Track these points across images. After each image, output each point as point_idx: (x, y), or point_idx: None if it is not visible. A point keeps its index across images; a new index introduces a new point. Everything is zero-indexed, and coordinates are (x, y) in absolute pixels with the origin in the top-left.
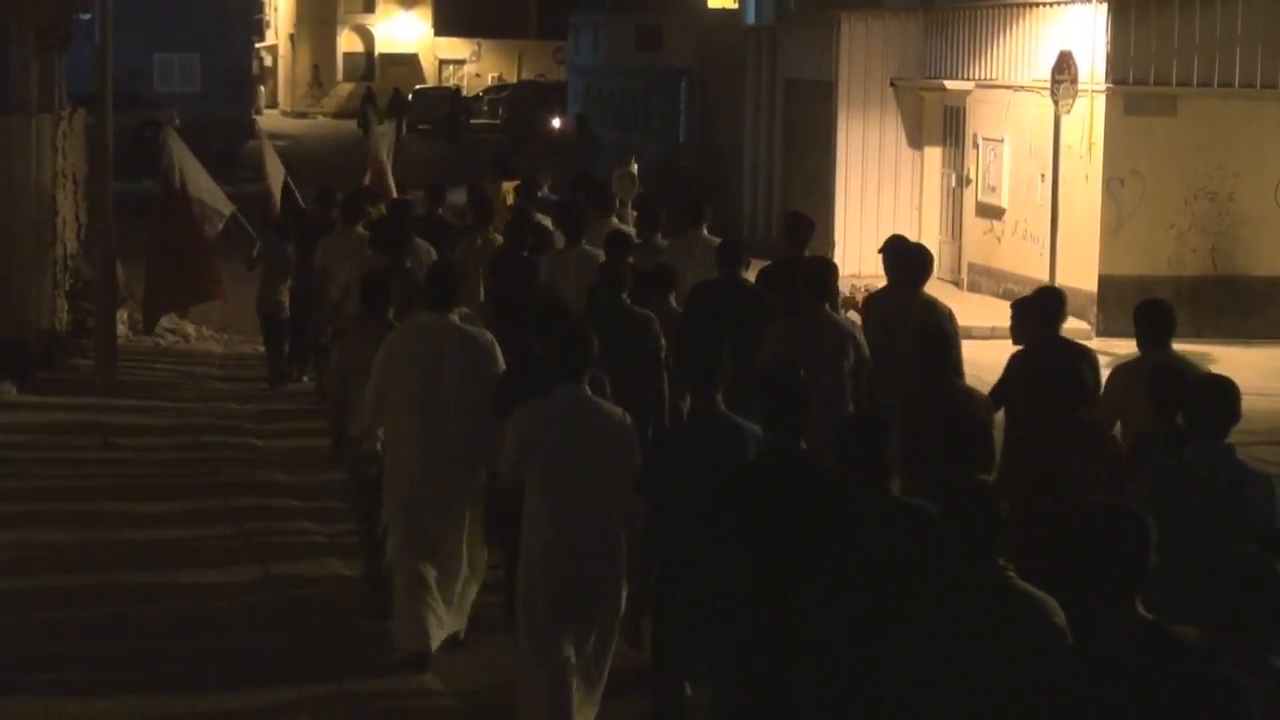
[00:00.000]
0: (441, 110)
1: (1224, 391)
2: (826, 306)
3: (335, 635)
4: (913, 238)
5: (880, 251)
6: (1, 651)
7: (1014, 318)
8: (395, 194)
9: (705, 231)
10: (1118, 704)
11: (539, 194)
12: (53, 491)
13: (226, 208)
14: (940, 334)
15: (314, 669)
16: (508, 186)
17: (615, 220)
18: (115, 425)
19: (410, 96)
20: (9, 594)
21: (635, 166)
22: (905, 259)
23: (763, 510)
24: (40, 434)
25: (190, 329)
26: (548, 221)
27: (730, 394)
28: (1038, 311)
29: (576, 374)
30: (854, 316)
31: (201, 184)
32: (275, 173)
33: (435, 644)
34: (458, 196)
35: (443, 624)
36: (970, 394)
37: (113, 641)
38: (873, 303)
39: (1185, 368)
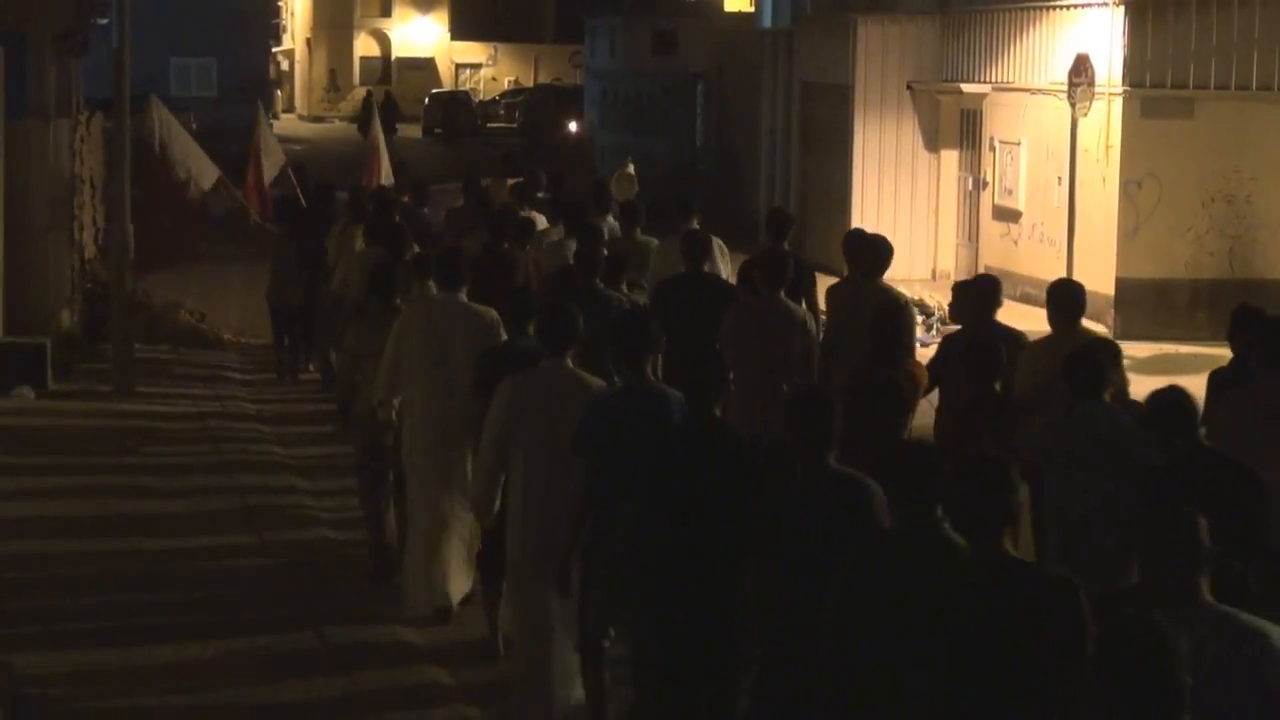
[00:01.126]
0: (454, 114)
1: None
2: (781, 293)
3: (319, 590)
4: (929, 241)
5: (842, 244)
6: (12, 605)
7: (953, 300)
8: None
9: (695, 226)
10: (987, 617)
11: (538, 195)
12: (69, 490)
13: (212, 175)
14: (887, 317)
15: (297, 619)
16: (512, 185)
17: (611, 219)
18: (132, 429)
19: (426, 100)
20: (20, 555)
21: (632, 167)
22: (862, 250)
23: (674, 472)
24: (57, 440)
25: (207, 332)
26: (541, 219)
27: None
28: (973, 295)
29: (560, 349)
30: None
31: (188, 149)
32: (273, 155)
33: (455, 599)
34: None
35: (451, 583)
36: (912, 372)
37: (110, 595)
38: (834, 292)
39: (1099, 345)
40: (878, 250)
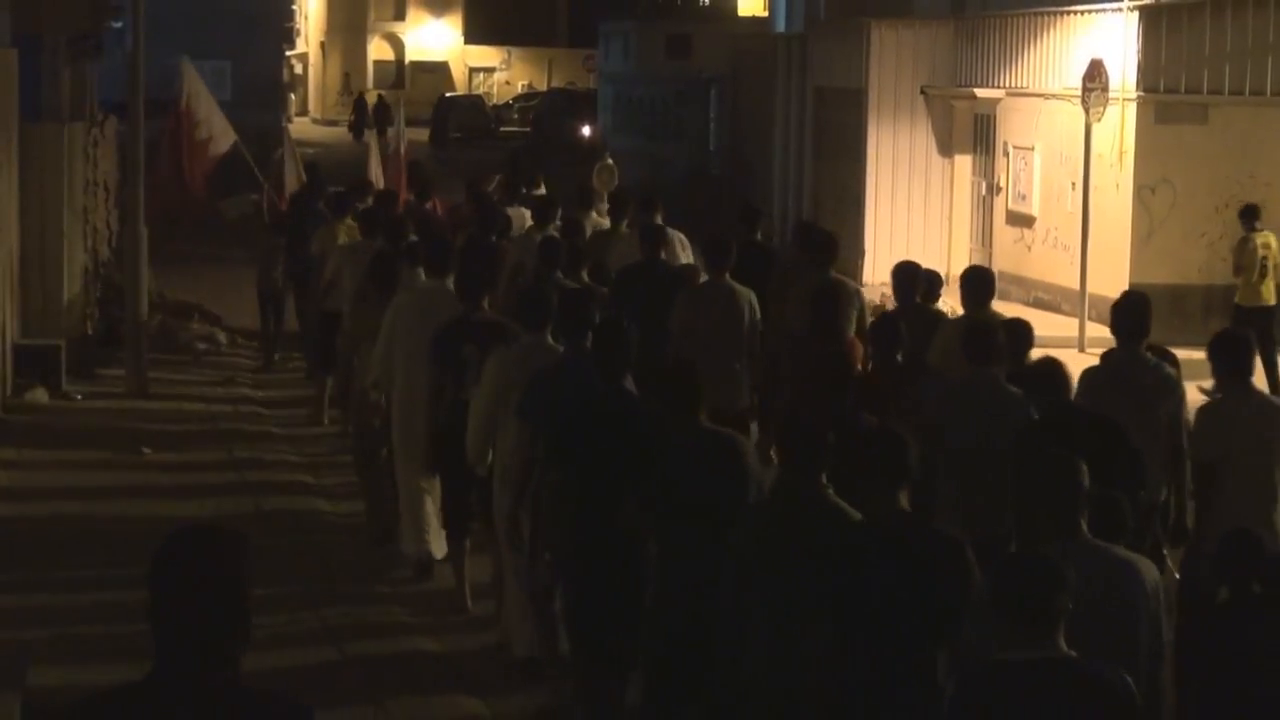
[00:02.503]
0: (473, 118)
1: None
2: (727, 276)
3: (309, 553)
4: (942, 246)
5: (793, 238)
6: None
7: (892, 283)
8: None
9: (659, 220)
10: (883, 572)
11: (523, 191)
12: (82, 492)
13: (229, 138)
14: (827, 296)
15: (286, 578)
16: (504, 181)
17: (595, 214)
18: (145, 431)
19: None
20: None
21: (611, 160)
22: (811, 243)
23: (586, 435)
24: (70, 441)
25: (222, 336)
26: (527, 215)
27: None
28: (901, 280)
29: (538, 325)
30: None
31: (212, 112)
32: (292, 173)
33: (438, 555)
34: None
35: (433, 542)
36: (843, 351)
37: (122, 602)
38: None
39: (997, 322)
40: (827, 244)
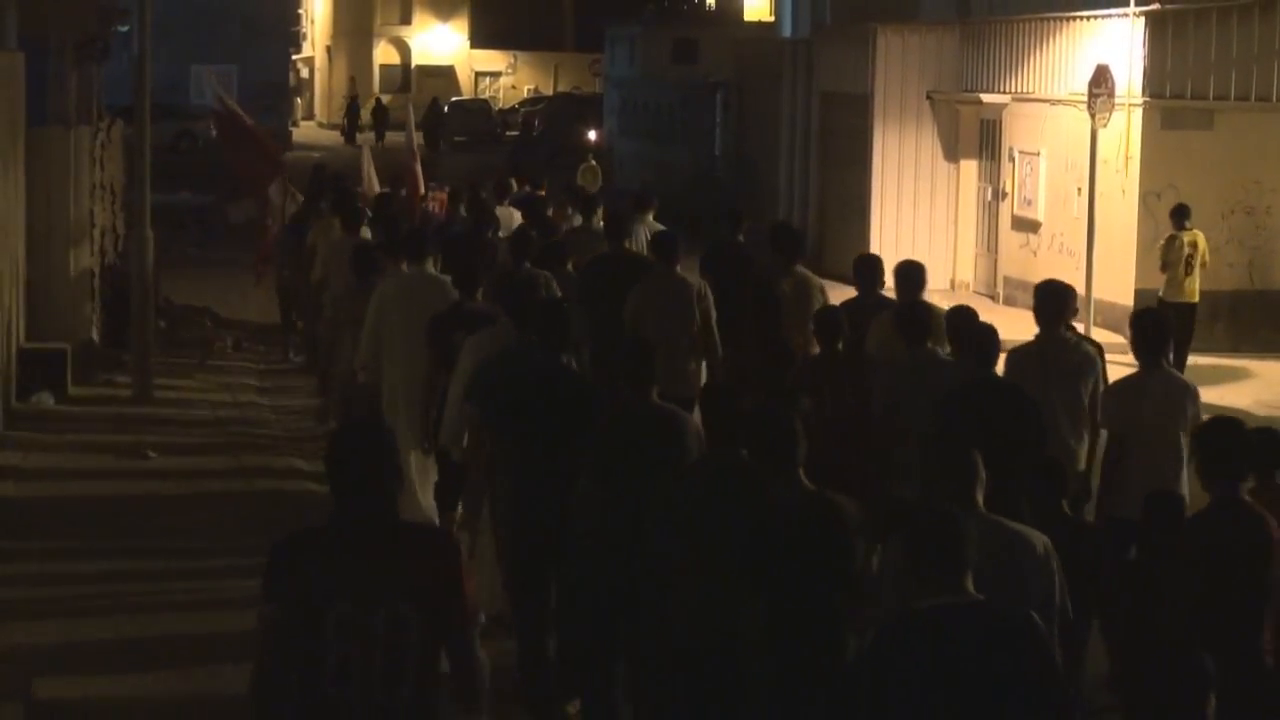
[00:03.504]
0: (478, 123)
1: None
2: (678, 269)
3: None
4: (948, 251)
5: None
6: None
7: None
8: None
9: (651, 218)
10: (785, 540)
11: (513, 192)
12: (87, 496)
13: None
14: (770, 290)
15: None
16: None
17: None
18: (150, 436)
19: (446, 108)
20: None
21: (595, 162)
22: (777, 242)
23: (522, 406)
24: (76, 445)
25: (229, 340)
26: (516, 214)
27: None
28: (859, 271)
29: (507, 311)
30: None
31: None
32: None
33: None
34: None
35: (420, 514)
36: (781, 338)
37: (128, 610)
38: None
39: (932, 309)
40: (791, 241)
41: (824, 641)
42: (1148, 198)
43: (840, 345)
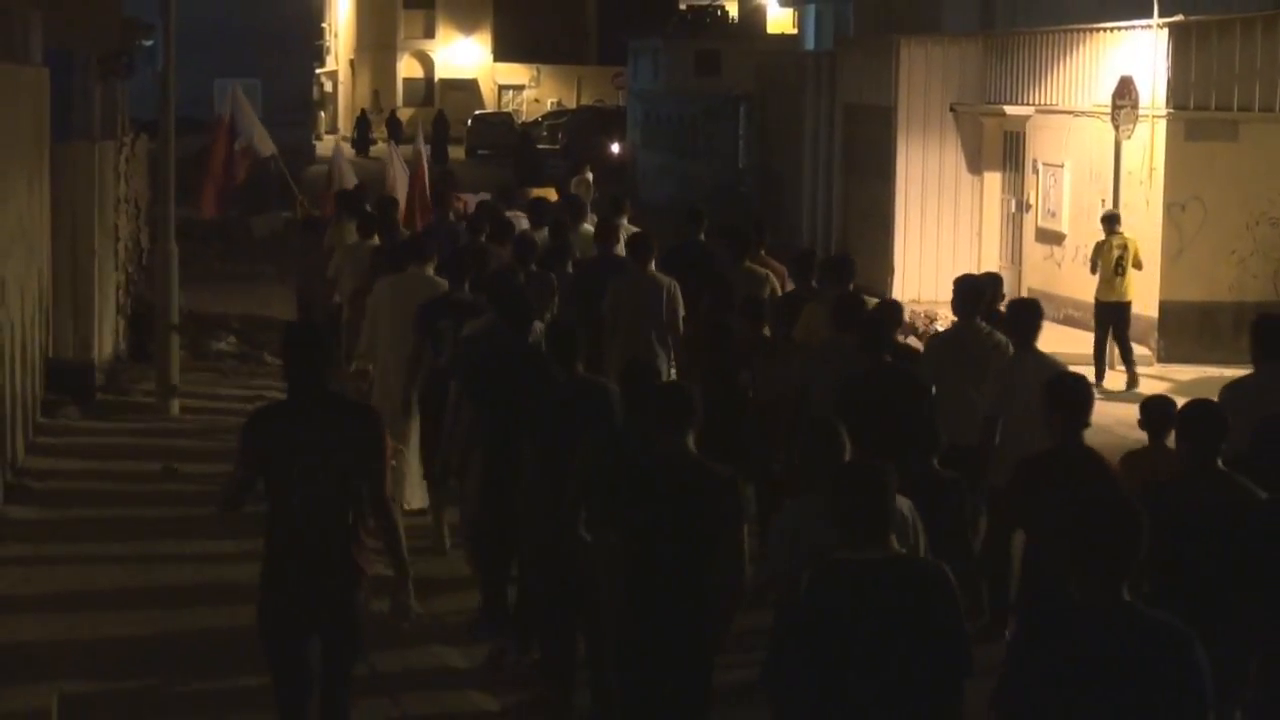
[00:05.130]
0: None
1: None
2: (651, 266)
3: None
4: (972, 263)
5: (719, 234)
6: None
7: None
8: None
9: (625, 221)
10: (670, 496)
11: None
12: (111, 509)
13: (269, 148)
14: (722, 279)
15: None
16: (538, 193)
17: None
18: (176, 449)
19: (470, 122)
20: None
21: (590, 174)
22: (729, 236)
23: (490, 379)
24: (101, 457)
25: (253, 351)
26: (524, 220)
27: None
28: (795, 268)
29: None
30: (913, 342)
31: (254, 127)
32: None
33: (412, 504)
34: None
35: (408, 492)
36: (720, 323)
37: (152, 623)
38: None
39: (864, 300)
40: (745, 237)
41: (688, 590)
42: (1172, 209)
43: (767, 331)
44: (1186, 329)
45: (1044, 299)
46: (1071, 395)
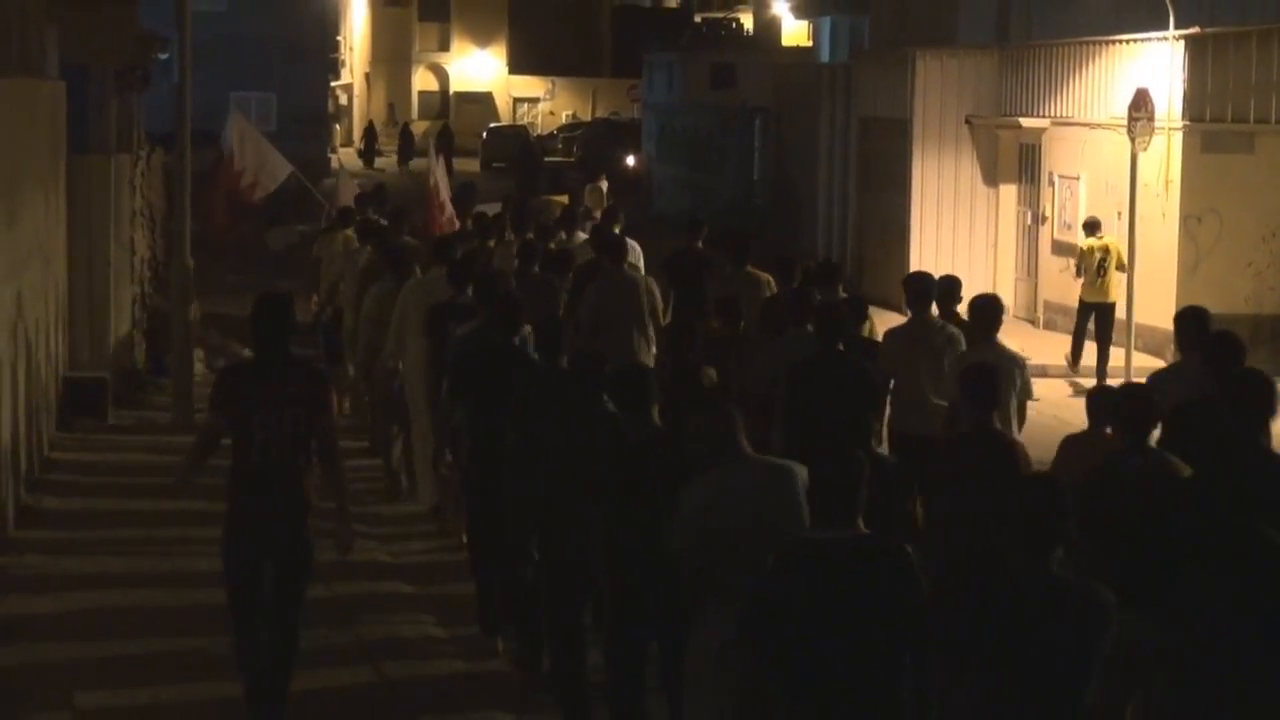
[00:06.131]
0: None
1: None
2: (626, 266)
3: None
4: (988, 275)
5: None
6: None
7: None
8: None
9: (618, 230)
10: (635, 463)
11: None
12: (128, 522)
13: (284, 170)
14: (687, 271)
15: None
16: (557, 200)
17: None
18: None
19: (485, 134)
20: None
21: (605, 183)
22: (729, 242)
23: (477, 376)
24: (117, 471)
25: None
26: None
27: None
28: (778, 272)
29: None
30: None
31: (263, 155)
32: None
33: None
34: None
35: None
36: (709, 322)
37: (169, 631)
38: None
39: (814, 294)
40: (695, 230)
41: (656, 554)
42: (1188, 221)
43: (741, 327)
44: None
45: (1061, 312)
46: (974, 386)
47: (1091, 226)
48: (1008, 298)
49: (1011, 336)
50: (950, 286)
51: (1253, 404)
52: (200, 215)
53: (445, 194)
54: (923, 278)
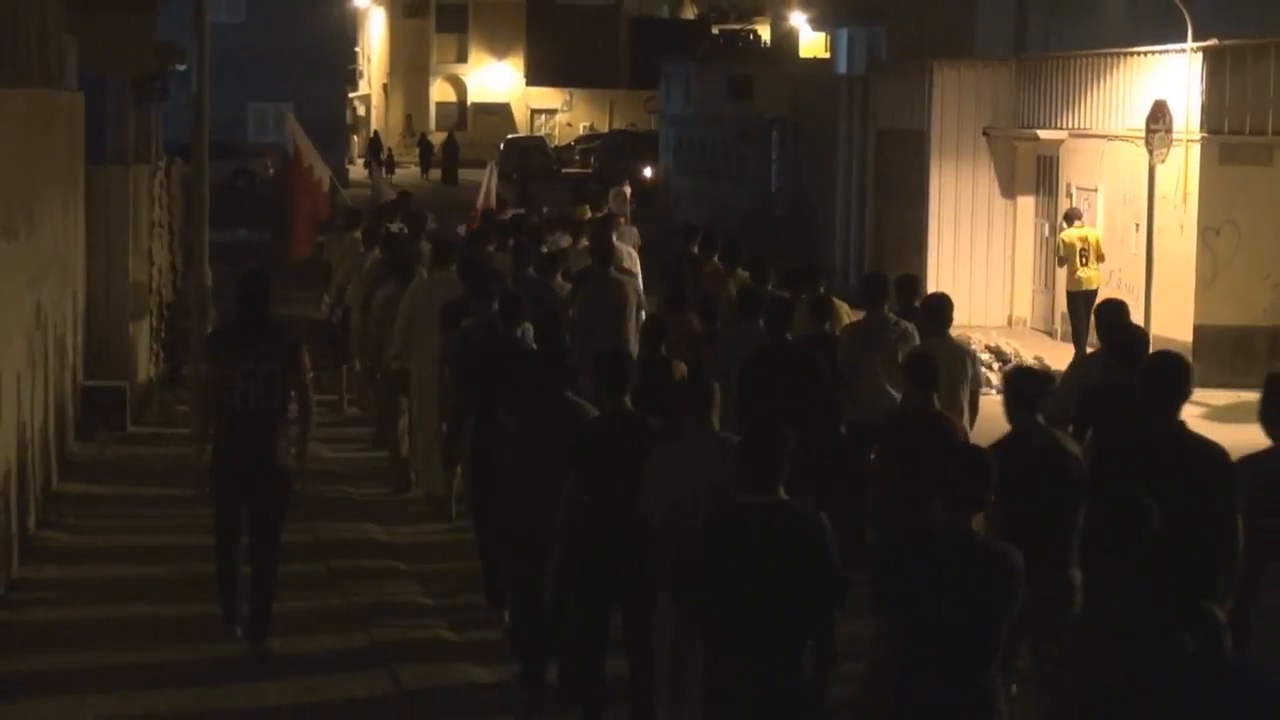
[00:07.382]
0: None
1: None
2: (612, 269)
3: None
4: (1005, 287)
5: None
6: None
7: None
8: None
9: (616, 238)
10: (610, 445)
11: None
12: (145, 531)
13: (327, 175)
14: (675, 267)
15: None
16: (583, 208)
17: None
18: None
19: (502, 146)
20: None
21: (629, 188)
22: (718, 253)
23: (480, 366)
24: (135, 482)
25: None
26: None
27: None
28: (752, 273)
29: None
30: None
31: (316, 155)
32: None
33: (437, 491)
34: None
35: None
36: (689, 319)
37: (185, 638)
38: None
39: (764, 290)
40: (689, 233)
41: (626, 528)
42: (1206, 233)
43: (718, 324)
44: (1221, 353)
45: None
46: (915, 370)
47: (1071, 217)
48: (1025, 309)
49: (1030, 348)
50: (909, 284)
51: (1167, 385)
52: (281, 248)
53: (486, 202)
54: (881, 279)
